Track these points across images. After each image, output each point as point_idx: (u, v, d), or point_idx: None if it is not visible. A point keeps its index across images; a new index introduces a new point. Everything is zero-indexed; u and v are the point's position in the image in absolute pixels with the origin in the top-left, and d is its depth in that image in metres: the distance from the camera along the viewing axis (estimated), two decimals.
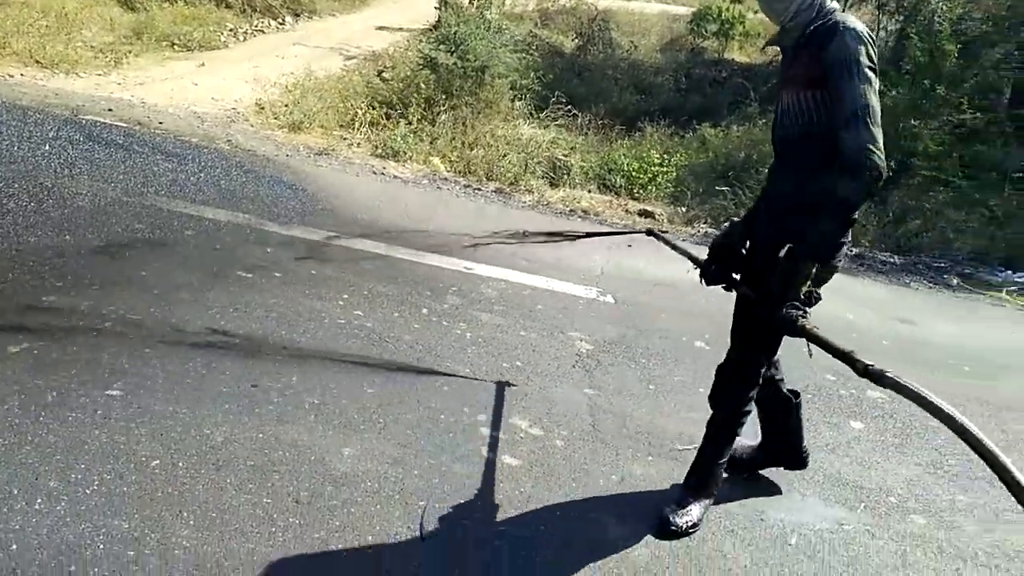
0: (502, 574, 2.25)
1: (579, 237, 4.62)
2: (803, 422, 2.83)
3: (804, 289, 2.11)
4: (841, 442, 3.31)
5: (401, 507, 2.45)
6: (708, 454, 2.60)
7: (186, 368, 3.03)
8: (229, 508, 2.31)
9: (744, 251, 2.51)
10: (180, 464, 2.47)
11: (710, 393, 2.61)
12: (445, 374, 3.33)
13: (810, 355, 2.11)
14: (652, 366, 3.77)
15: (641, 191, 8.22)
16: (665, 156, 8.91)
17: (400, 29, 14.05)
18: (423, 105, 8.98)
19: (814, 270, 2.11)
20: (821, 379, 3.88)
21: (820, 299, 2.17)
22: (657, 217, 7.28)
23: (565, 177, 8.43)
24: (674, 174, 8.66)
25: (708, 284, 2.58)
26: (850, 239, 2.28)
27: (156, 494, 2.31)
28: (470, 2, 12.87)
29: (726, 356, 2.58)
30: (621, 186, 8.23)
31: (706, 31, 16.97)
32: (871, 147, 2.00)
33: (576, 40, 15.78)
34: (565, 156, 8.95)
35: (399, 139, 7.75)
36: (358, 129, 8.60)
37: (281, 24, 14.06)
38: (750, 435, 2.86)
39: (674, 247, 3.13)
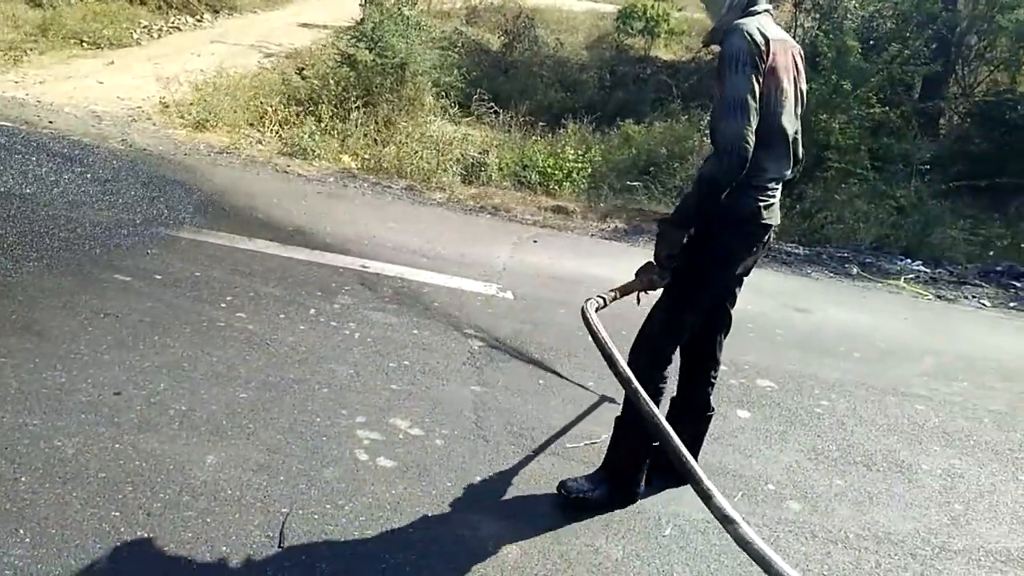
0: None
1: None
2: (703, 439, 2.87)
3: (665, 252, 2.39)
4: (726, 431, 3.33)
5: (262, 515, 2.35)
6: (616, 431, 2.66)
7: (43, 377, 2.87)
8: (72, 524, 2.18)
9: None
10: (23, 479, 2.32)
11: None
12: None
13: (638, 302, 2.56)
14: (545, 361, 3.74)
15: (556, 187, 8.22)
16: (579, 152, 8.92)
17: (323, 26, 13.79)
18: (335, 103, 8.81)
19: (675, 235, 2.38)
20: None
21: (676, 263, 2.40)
22: (570, 212, 7.29)
23: (482, 174, 8.38)
24: (590, 170, 8.68)
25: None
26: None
27: None
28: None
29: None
30: (537, 182, 8.21)
31: (632, 29, 17.18)
32: (740, 134, 2.18)
33: (502, 38, 15.78)
34: (481, 154, 8.91)
35: (306, 137, 7.57)
36: (268, 127, 8.39)
37: (199, 21, 13.64)
38: None
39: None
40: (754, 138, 2.20)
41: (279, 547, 2.24)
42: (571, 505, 2.60)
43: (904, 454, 3.39)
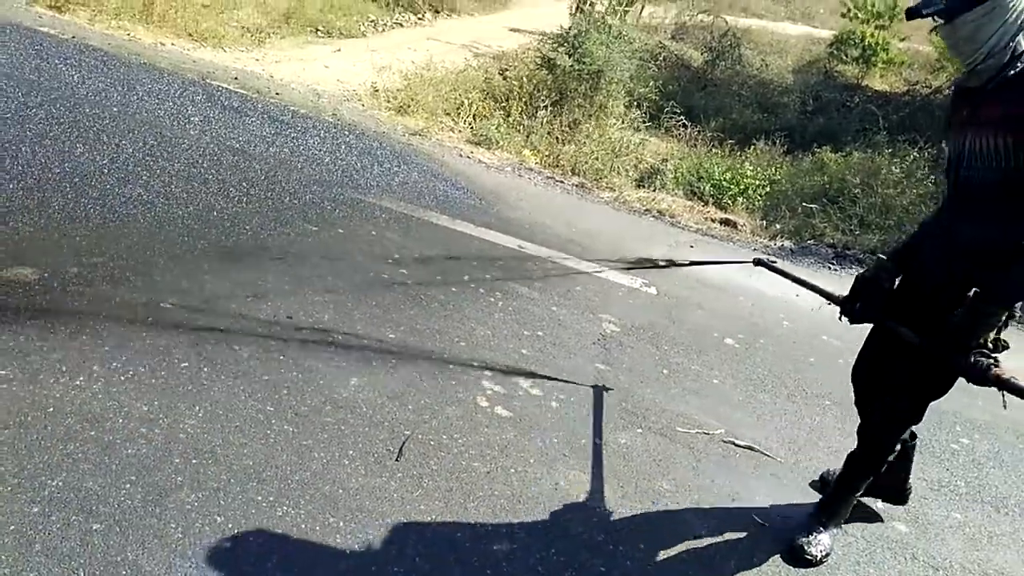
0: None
1: (687, 265, 5.04)
2: (913, 462, 2.82)
3: (992, 336, 2.11)
4: None
5: (388, 432, 2.71)
6: (843, 486, 2.63)
7: (234, 294, 3.41)
8: (236, 409, 2.63)
9: (891, 290, 2.43)
10: (204, 369, 2.81)
11: (859, 429, 2.61)
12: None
13: (1004, 406, 2.14)
14: (672, 353, 3.87)
15: (729, 201, 8.18)
16: (759, 170, 8.80)
17: (532, 32, 14.42)
18: (526, 99, 9.28)
19: (1004, 317, 2.12)
20: None
21: (1008, 347, 2.15)
22: (739, 227, 7.24)
23: (656, 181, 8.52)
24: (768, 188, 8.55)
25: (853, 322, 2.49)
26: None
27: None
28: (604, 10, 13.06)
29: (879, 401, 2.50)
30: (710, 194, 8.21)
31: (846, 56, 16.52)
32: None
33: (705, 55, 15.73)
34: (660, 163, 9.04)
35: (493, 128, 8.05)
36: (463, 118, 8.99)
37: (420, 20, 14.74)
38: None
39: (792, 278, 3.03)
40: None
41: (395, 459, 2.58)
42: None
43: None
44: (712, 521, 2.64)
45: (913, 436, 2.72)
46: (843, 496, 2.63)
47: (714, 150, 10.35)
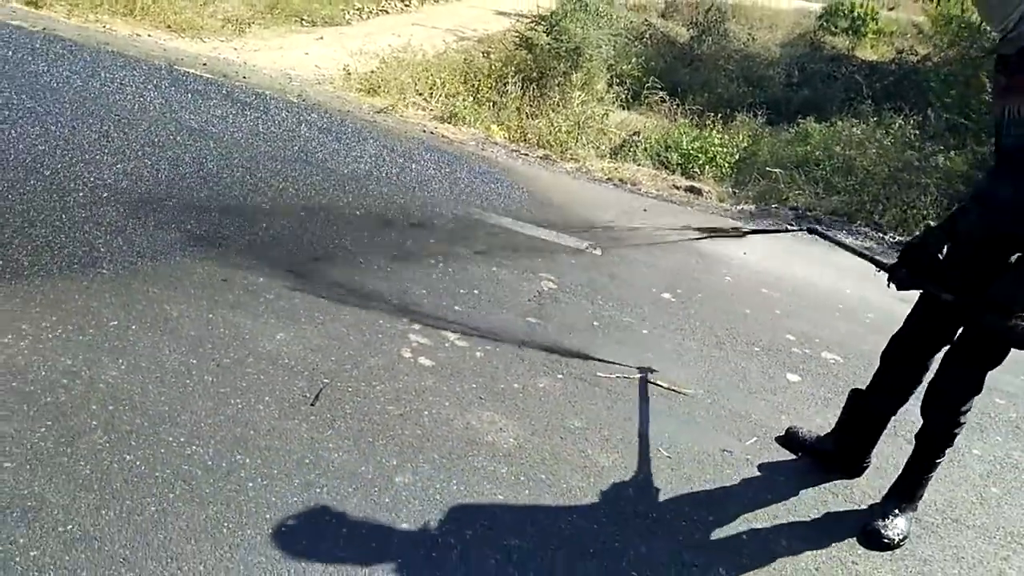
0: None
1: (739, 236, 5.34)
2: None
3: None
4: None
5: (307, 381, 2.83)
6: (918, 467, 2.60)
7: (159, 261, 3.52)
8: (161, 359, 2.76)
9: (940, 257, 2.45)
10: (132, 327, 2.94)
11: (922, 407, 2.56)
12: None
13: None
14: (607, 307, 3.97)
15: (699, 171, 8.27)
16: (727, 139, 8.88)
17: (519, 15, 14.45)
18: (496, 78, 9.38)
19: None
20: (782, 338, 3.97)
21: None
22: (704, 193, 7.32)
23: (628, 152, 8.63)
24: (736, 156, 8.63)
25: (900, 289, 2.50)
26: None
27: None
28: None
29: (936, 375, 2.54)
30: (677, 164, 8.30)
31: (835, 27, 16.57)
32: None
33: (691, 30, 15.78)
34: (632, 136, 9.15)
35: (461, 105, 8.14)
36: (435, 98, 9.07)
37: (407, 5, 14.78)
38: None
39: (843, 246, 3.11)
40: None
41: (311, 404, 2.70)
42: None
43: None
44: (615, 455, 2.75)
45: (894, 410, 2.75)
46: (919, 478, 2.60)
47: (697, 124, 10.44)
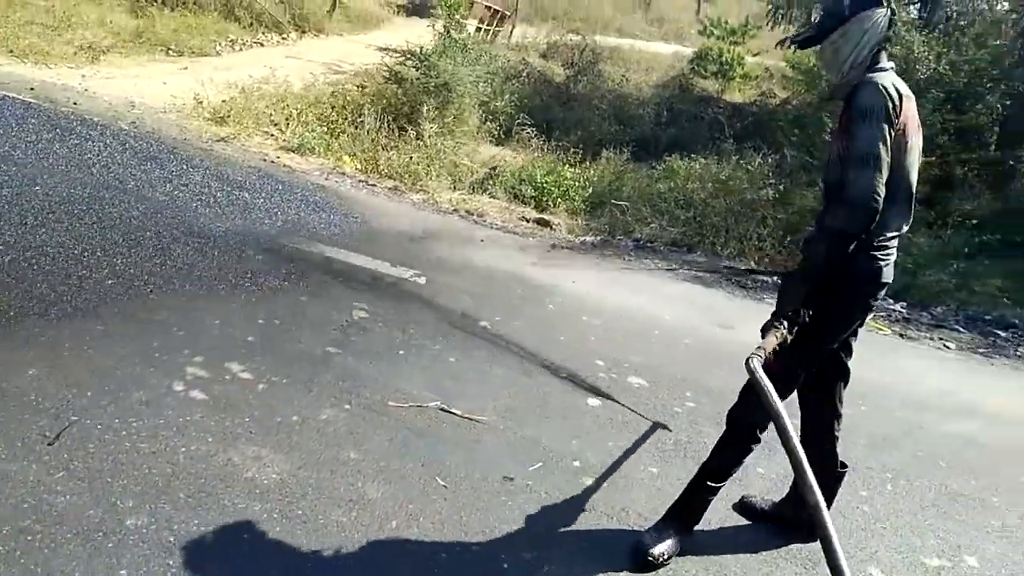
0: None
1: None
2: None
3: (789, 307, 2.33)
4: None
5: (52, 419, 2.59)
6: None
7: None
8: None
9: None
10: None
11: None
12: None
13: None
14: (417, 336, 3.89)
15: (552, 204, 8.40)
16: (579, 173, 9.11)
17: (398, 51, 14.42)
18: (352, 110, 9.31)
19: (800, 290, 2.33)
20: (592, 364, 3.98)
21: (805, 321, 2.34)
22: (554, 226, 7.42)
23: (487, 186, 8.68)
24: (588, 190, 8.84)
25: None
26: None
27: None
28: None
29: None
30: (531, 197, 8.41)
31: (705, 71, 17.46)
32: (872, 188, 2.20)
33: (567, 70, 16.24)
34: (491, 170, 9.23)
35: (311, 136, 7.99)
36: (290, 129, 8.87)
37: (284, 39, 14.53)
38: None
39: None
40: (884, 192, 2.21)
41: (48, 444, 2.47)
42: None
43: None
44: (387, 487, 2.64)
45: (844, 466, 2.73)
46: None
47: (563, 160, 10.64)
